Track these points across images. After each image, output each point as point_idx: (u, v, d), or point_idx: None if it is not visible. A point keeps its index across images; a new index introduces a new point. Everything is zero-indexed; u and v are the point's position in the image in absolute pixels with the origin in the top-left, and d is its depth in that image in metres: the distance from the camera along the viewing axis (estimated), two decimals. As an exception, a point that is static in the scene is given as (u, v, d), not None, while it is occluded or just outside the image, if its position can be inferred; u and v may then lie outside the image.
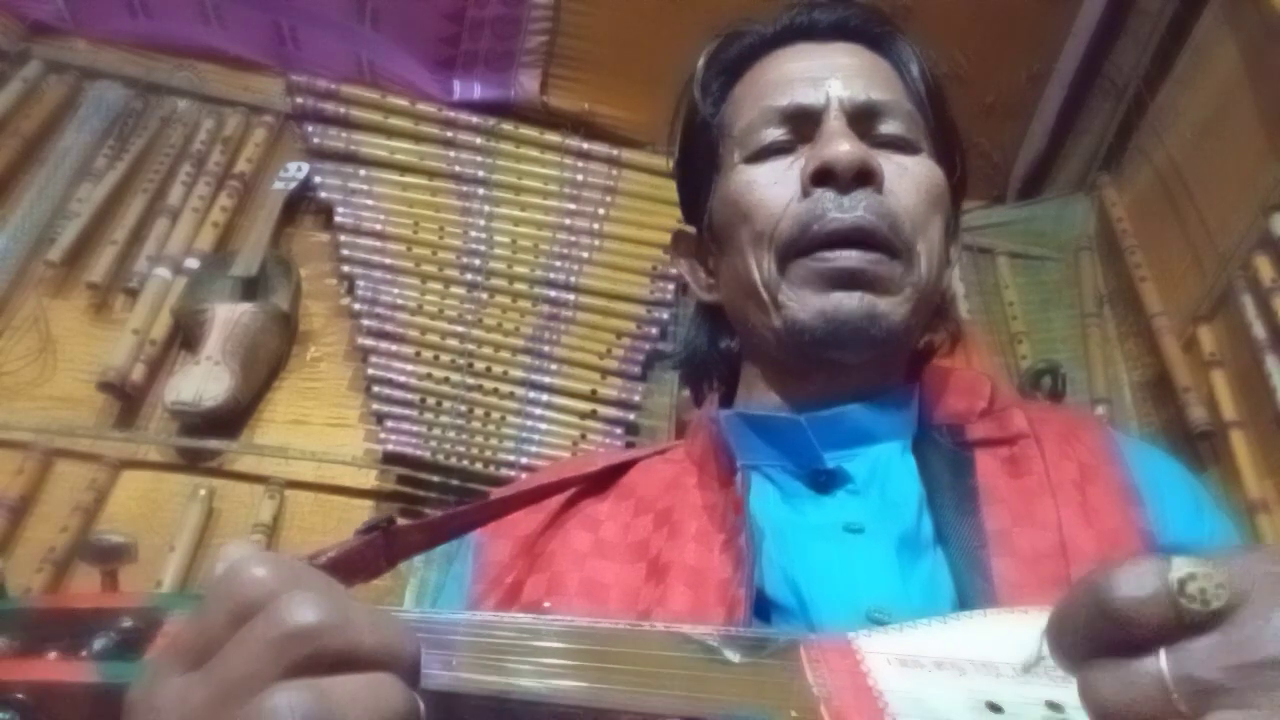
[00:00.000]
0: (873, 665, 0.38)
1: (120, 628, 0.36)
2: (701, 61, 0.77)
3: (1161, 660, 0.29)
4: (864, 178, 0.63)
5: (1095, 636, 0.30)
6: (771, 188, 0.66)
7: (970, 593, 0.52)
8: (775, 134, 0.68)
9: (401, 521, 0.54)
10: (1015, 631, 0.38)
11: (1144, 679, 0.29)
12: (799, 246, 0.63)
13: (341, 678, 0.31)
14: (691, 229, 0.78)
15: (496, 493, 0.70)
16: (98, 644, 0.35)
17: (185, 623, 0.34)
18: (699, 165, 0.75)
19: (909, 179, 0.65)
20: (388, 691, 0.32)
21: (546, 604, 0.56)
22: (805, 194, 0.64)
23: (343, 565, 0.48)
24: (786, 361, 0.67)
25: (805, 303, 0.63)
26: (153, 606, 0.37)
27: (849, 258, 0.62)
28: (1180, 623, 0.29)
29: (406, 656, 0.33)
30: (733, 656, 0.38)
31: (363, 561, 0.50)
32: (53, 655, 0.35)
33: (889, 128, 0.67)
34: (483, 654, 0.36)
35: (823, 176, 0.63)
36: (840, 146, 0.63)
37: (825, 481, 0.62)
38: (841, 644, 0.39)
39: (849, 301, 0.62)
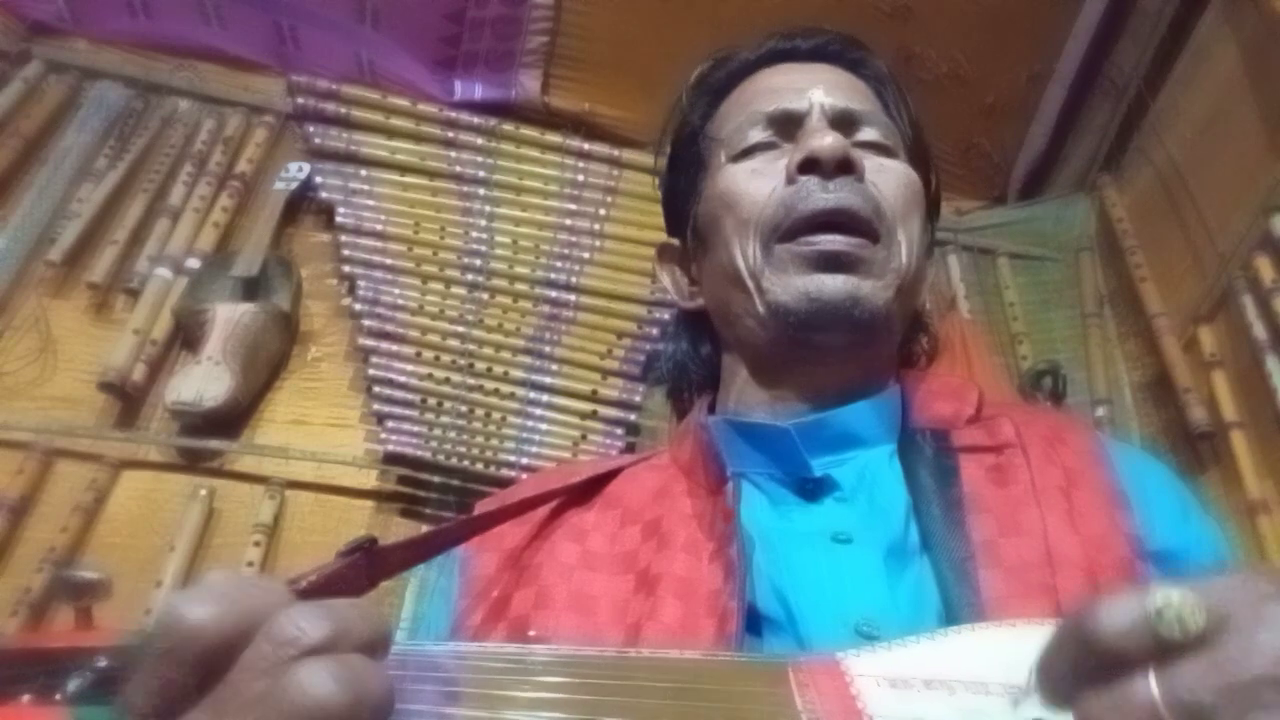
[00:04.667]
0: (862, 687, 0.38)
1: (95, 667, 0.35)
2: (690, 83, 0.79)
3: (1152, 685, 0.29)
4: (846, 167, 0.65)
5: (1083, 669, 0.31)
6: (756, 179, 0.68)
7: (957, 604, 0.52)
8: (760, 135, 0.70)
9: (391, 535, 0.54)
10: (1004, 647, 0.39)
11: (1137, 705, 0.29)
12: (782, 230, 0.64)
13: (350, 655, 0.33)
14: (675, 241, 0.78)
15: (480, 506, 0.70)
16: (72, 685, 0.35)
17: (139, 686, 0.33)
18: (686, 174, 0.76)
19: (889, 174, 0.68)
20: (379, 667, 0.34)
21: (531, 631, 0.56)
22: (790, 181, 0.66)
23: (325, 588, 0.47)
24: (771, 354, 0.67)
25: (788, 285, 0.63)
26: (129, 644, 0.36)
27: (832, 241, 0.63)
28: (1162, 648, 0.29)
29: (389, 636, 0.35)
30: (720, 683, 0.38)
31: (345, 583, 0.50)
32: (26, 699, 0.34)
33: (868, 134, 0.70)
34: (469, 688, 0.36)
35: (807, 166, 0.65)
36: (824, 139, 0.65)
37: (813, 489, 0.62)
38: (830, 665, 0.39)
39: (831, 283, 0.62)
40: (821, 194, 0.64)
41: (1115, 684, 0.30)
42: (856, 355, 0.66)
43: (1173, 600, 0.29)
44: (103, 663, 0.35)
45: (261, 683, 0.31)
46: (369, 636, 0.34)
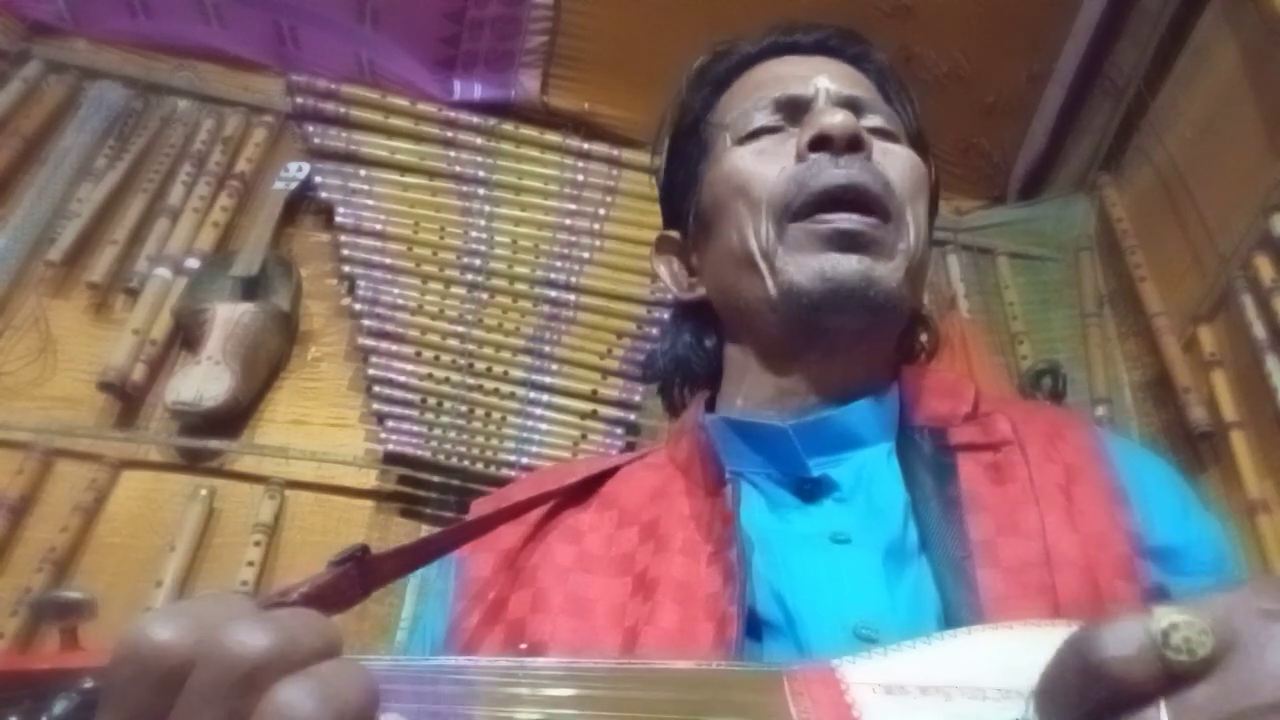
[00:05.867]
0: (857, 696, 0.38)
1: (81, 689, 0.35)
2: (689, 74, 0.79)
3: (1163, 716, 0.29)
4: (856, 145, 0.65)
5: (1088, 699, 0.30)
6: (765, 159, 0.67)
7: (955, 605, 0.51)
8: (767, 118, 0.70)
9: (391, 534, 0.53)
10: (1000, 651, 0.38)
11: None
12: (795, 207, 0.64)
13: (325, 665, 0.32)
14: (674, 233, 0.78)
15: (476, 506, 0.69)
16: (58, 708, 0.34)
17: (107, 715, 0.32)
18: (686, 164, 0.76)
19: (895, 157, 0.68)
20: (356, 670, 0.32)
21: (523, 645, 0.55)
22: (800, 159, 0.65)
23: (316, 599, 0.46)
24: (780, 338, 0.66)
25: (802, 264, 0.63)
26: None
27: (847, 220, 0.63)
28: (1171, 675, 0.29)
29: (340, 641, 0.34)
30: (714, 692, 0.38)
31: (337, 593, 0.49)
32: None
33: (872, 121, 0.70)
34: (461, 703, 0.36)
35: (818, 143, 0.65)
36: (835, 116, 0.65)
37: (811, 490, 0.61)
38: (825, 673, 0.39)
39: (846, 263, 0.62)
40: (834, 169, 0.64)
41: (1124, 716, 0.29)
42: (866, 341, 0.65)
43: (1178, 623, 0.28)
44: (89, 684, 0.35)
45: (212, 710, 0.30)
46: (318, 644, 0.32)
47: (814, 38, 0.76)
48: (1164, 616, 0.29)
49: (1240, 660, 0.29)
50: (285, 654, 0.31)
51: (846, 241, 0.62)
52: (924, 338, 0.76)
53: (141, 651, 0.31)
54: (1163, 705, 0.29)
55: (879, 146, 0.67)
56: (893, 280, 0.63)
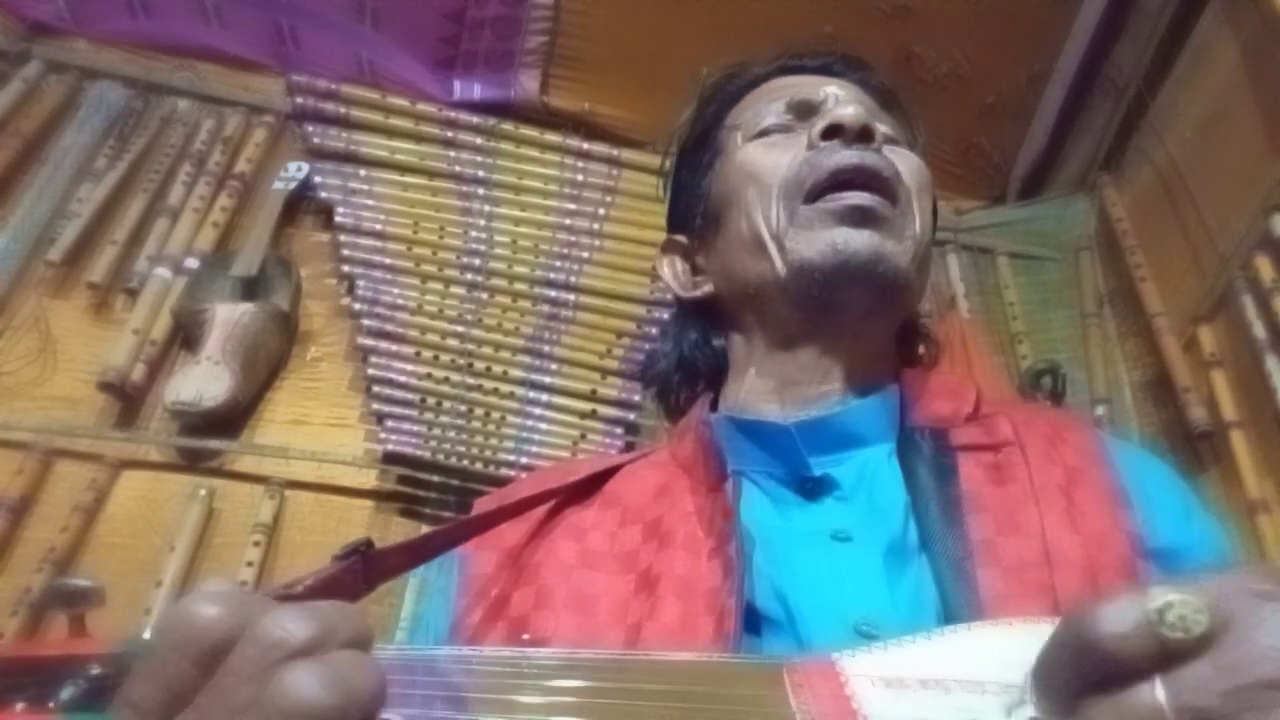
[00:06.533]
0: (857, 688, 0.38)
1: (89, 675, 0.35)
2: (702, 91, 0.82)
3: (1158, 691, 0.29)
4: (867, 135, 0.67)
5: (1084, 676, 0.31)
6: (776, 150, 0.69)
7: (955, 603, 0.52)
8: (779, 117, 0.72)
9: (391, 534, 0.53)
10: (1000, 646, 0.38)
11: (1144, 712, 0.29)
12: (807, 186, 0.65)
13: (336, 654, 0.33)
14: (679, 237, 0.79)
15: (479, 504, 0.70)
16: (66, 694, 0.35)
17: (140, 680, 0.33)
18: (696, 168, 0.77)
19: (901, 157, 0.70)
20: (366, 661, 0.33)
21: (525, 635, 0.56)
22: (811, 148, 0.67)
23: (321, 592, 0.47)
24: (786, 321, 0.67)
25: (813, 240, 0.64)
26: (122, 652, 0.36)
27: (859, 196, 0.64)
28: (1166, 652, 0.29)
29: (372, 637, 0.35)
30: (715, 685, 0.38)
31: (341, 587, 0.50)
32: (20, 707, 0.34)
33: (879, 127, 0.71)
34: (468, 693, 0.36)
35: (830, 132, 0.67)
36: (847, 108, 0.67)
37: (813, 488, 0.62)
38: (825, 666, 0.39)
39: (858, 237, 0.63)
40: (846, 151, 0.66)
41: (1119, 691, 0.30)
42: (872, 323, 0.67)
43: (1174, 602, 0.29)
44: (96, 671, 0.35)
45: (248, 688, 0.31)
46: (353, 636, 0.34)
47: (819, 61, 0.79)
48: (1160, 595, 0.29)
49: (1234, 639, 0.29)
50: (323, 644, 0.32)
51: (859, 217, 0.64)
52: (923, 349, 0.77)
53: (189, 623, 0.32)
54: (1158, 681, 0.29)
55: (887, 146, 0.69)
56: (902, 260, 0.64)
